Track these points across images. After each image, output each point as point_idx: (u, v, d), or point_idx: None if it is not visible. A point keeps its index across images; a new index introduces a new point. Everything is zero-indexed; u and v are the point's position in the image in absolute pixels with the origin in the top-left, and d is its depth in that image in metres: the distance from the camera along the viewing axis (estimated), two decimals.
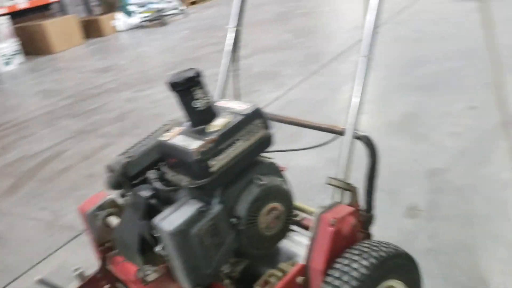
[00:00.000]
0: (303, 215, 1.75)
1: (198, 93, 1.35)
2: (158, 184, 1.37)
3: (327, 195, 2.47)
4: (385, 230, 2.10)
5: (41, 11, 10.50)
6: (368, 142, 1.59)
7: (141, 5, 10.41)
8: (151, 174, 1.41)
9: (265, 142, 1.42)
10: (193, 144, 1.30)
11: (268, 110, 1.51)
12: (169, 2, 10.39)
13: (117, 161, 1.46)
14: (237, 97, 2.16)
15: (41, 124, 4.83)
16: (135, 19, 10.23)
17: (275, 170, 1.47)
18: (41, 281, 1.80)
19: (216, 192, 1.35)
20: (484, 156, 2.58)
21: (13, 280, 2.35)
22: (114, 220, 1.84)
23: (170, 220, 1.26)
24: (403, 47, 4.85)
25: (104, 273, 1.90)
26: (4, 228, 2.87)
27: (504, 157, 2.53)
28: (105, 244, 1.89)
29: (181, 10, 10.59)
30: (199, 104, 1.35)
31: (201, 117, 1.37)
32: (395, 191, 2.42)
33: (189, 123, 1.42)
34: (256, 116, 1.39)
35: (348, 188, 1.50)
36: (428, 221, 2.14)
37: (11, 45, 8.54)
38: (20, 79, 7.69)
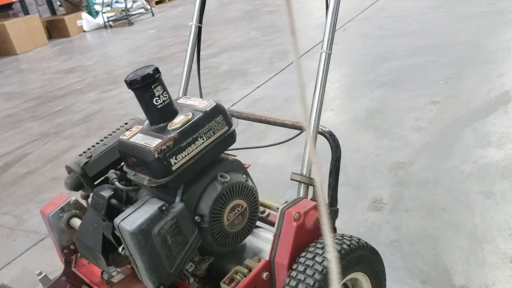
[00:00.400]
0: (268, 211, 1.76)
1: (157, 91, 1.33)
2: (118, 184, 1.35)
3: (295, 193, 2.49)
4: (350, 223, 2.14)
5: (2, 10, 10.22)
6: (331, 137, 1.60)
7: (107, 5, 10.26)
8: (112, 174, 1.39)
9: (228, 139, 1.41)
10: (153, 143, 1.29)
11: (236, 108, 1.51)
12: (135, 1, 10.27)
13: (76, 161, 1.44)
14: (200, 94, 2.15)
15: (3, 128, 4.69)
16: (101, 19, 10.07)
17: (239, 167, 1.47)
18: (2, 287, 1.76)
19: (178, 190, 1.34)
20: (446, 149, 2.64)
21: None
22: (77, 222, 1.80)
23: (131, 219, 1.24)
24: (368, 44, 4.91)
25: (68, 276, 1.87)
26: None
27: (465, 150, 2.60)
28: (70, 247, 1.86)
29: (147, 9, 10.47)
30: (158, 101, 1.33)
31: (161, 115, 1.35)
32: (360, 186, 2.45)
33: (148, 121, 1.40)
34: (217, 113, 1.38)
35: (312, 183, 1.51)
36: (392, 213, 2.18)
37: None
38: None
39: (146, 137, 1.33)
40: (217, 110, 1.39)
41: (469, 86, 3.44)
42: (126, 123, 1.57)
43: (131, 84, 1.31)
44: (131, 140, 1.35)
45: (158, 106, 1.34)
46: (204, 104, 1.40)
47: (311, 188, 1.53)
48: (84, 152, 1.48)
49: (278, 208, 1.63)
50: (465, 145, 2.64)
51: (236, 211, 1.41)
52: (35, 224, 2.74)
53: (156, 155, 1.26)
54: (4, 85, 6.59)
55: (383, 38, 4.97)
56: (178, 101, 1.47)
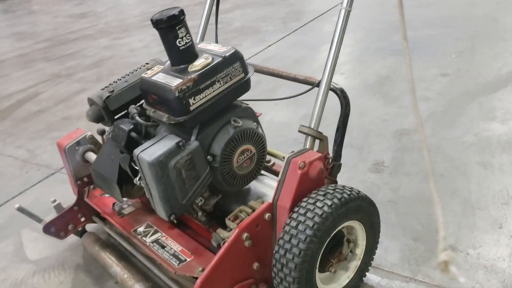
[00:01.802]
0: (273, 160, 1.84)
1: (181, 32, 1.39)
2: (139, 119, 1.43)
3: (299, 148, 2.56)
4: (350, 182, 2.23)
5: None
6: (342, 95, 1.67)
7: None
8: (133, 109, 1.46)
9: (243, 85, 1.48)
10: (174, 82, 1.36)
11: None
12: None
13: (99, 95, 1.51)
14: (216, 39, 2.20)
15: (16, 66, 4.75)
16: None
17: (251, 115, 1.54)
18: (20, 209, 1.86)
19: (194, 129, 1.41)
20: (451, 120, 2.70)
21: None
22: (92, 156, 1.89)
23: (150, 151, 1.33)
24: (384, 11, 4.89)
25: (80, 206, 1.97)
26: None
27: (469, 122, 2.66)
28: (83, 179, 1.95)
29: None
30: (181, 43, 1.39)
31: (182, 56, 1.41)
32: (363, 148, 2.53)
33: (170, 62, 1.46)
34: (235, 59, 1.44)
35: (319, 136, 1.58)
36: (392, 176, 2.27)
37: None
38: None
39: (167, 77, 1.40)
40: (236, 57, 1.45)
41: (480, 61, 3.47)
42: (147, 63, 1.64)
43: (157, 23, 1.37)
44: (153, 78, 1.42)
45: (181, 48, 1.40)
46: (223, 50, 1.46)
47: (317, 141, 1.61)
48: (106, 86, 1.55)
49: (284, 157, 1.72)
50: (470, 118, 2.70)
51: (245, 155, 1.49)
52: (47, 159, 2.84)
53: (177, 94, 1.33)
54: (16, 25, 6.60)
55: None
56: (199, 46, 1.53)
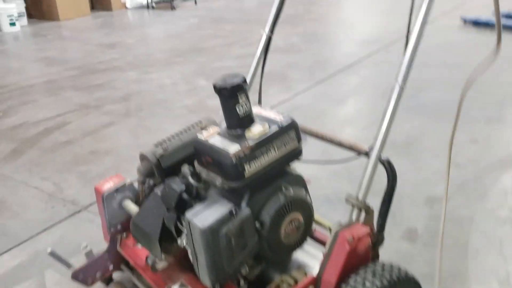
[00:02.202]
0: (315, 227, 1.81)
1: (241, 99, 1.39)
2: (191, 179, 1.42)
3: (329, 207, 2.54)
4: (386, 250, 2.18)
5: None
6: (389, 166, 1.66)
7: None
8: (186, 169, 1.45)
9: (296, 153, 1.48)
10: (232, 148, 1.35)
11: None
12: None
13: (153, 151, 1.51)
14: (259, 100, 2.22)
15: (44, 92, 4.81)
16: None
17: (301, 182, 1.53)
18: (52, 254, 1.84)
19: (245, 195, 1.40)
20: (484, 190, 2.67)
21: (14, 247, 2.37)
22: (129, 204, 1.88)
23: (202, 217, 1.31)
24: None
25: (111, 254, 1.95)
26: (6, 192, 2.89)
27: (502, 194, 2.63)
28: (117, 226, 1.93)
29: None
30: (240, 109, 1.40)
31: (240, 121, 1.42)
32: (396, 213, 2.49)
33: (225, 125, 1.47)
34: (290, 128, 1.45)
35: (366, 208, 1.56)
36: (426, 246, 2.23)
37: (18, 6, 8.44)
38: (23, 42, 7.63)
39: (224, 141, 1.40)
40: (291, 126, 1.45)
41: (511, 130, 3.46)
42: (200, 121, 1.64)
43: (220, 90, 1.38)
44: (210, 141, 1.42)
45: (240, 114, 1.41)
46: (280, 118, 1.47)
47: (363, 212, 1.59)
48: (159, 143, 1.55)
49: (329, 227, 1.70)
50: (503, 190, 2.67)
51: (293, 224, 1.47)
52: (73, 194, 2.83)
53: (234, 160, 1.33)
54: (46, 49, 6.73)
55: (426, 65, 4.99)
56: (254, 110, 1.53)
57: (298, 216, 1.48)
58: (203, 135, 1.46)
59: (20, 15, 8.52)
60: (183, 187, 1.42)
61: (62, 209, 2.68)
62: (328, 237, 1.72)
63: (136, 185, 1.94)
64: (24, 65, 5.99)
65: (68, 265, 1.89)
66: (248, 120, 1.43)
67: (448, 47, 5.71)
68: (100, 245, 2.26)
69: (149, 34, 7.65)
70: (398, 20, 7.27)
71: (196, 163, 1.48)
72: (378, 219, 1.68)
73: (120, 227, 1.94)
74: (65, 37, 7.62)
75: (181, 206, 1.42)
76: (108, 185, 1.92)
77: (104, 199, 1.89)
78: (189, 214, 1.33)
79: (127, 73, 5.37)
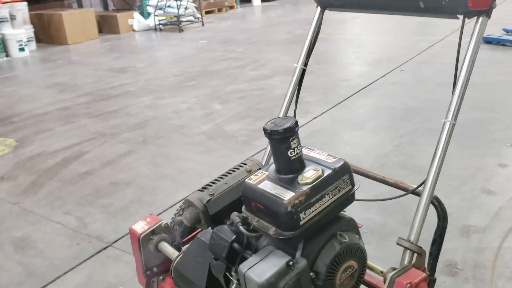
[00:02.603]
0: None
1: (293, 143, 1.34)
2: (243, 229, 1.36)
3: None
4: None
5: (57, 0, 10.49)
6: (439, 206, 1.60)
7: (159, 8, 10.42)
8: (236, 217, 1.39)
9: (350, 198, 1.42)
10: (285, 195, 1.30)
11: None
12: (186, 8, 10.41)
13: (199, 197, 1.45)
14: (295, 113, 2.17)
15: (59, 120, 4.78)
16: (151, 21, 10.23)
17: (354, 227, 1.47)
18: None
19: (299, 244, 1.34)
20: None
21: (43, 286, 2.31)
22: (166, 247, 1.82)
23: (259, 270, 1.25)
24: (428, 90, 4.89)
25: None
26: (30, 228, 2.83)
27: None
28: (153, 269, 1.87)
29: (197, 18, 10.61)
30: (292, 153, 1.35)
31: (292, 166, 1.36)
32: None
33: (274, 169, 1.41)
34: (344, 171, 1.39)
35: (419, 251, 1.50)
36: (468, 281, 2.15)
37: (26, 32, 8.48)
38: (33, 67, 7.65)
39: (276, 187, 1.34)
40: (345, 169, 1.40)
41: None
42: (245, 164, 1.59)
43: (271, 134, 1.33)
44: (260, 186, 1.36)
45: (291, 158, 1.36)
46: (332, 160, 1.41)
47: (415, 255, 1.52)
48: (204, 187, 1.50)
49: (381, 271, 1.63)
50: None
51: (348, 271, 1.41)
52: (98, 229, 2.77)
53: (289, 209, 1.27)
54: (57, 75, 6.73)
55: (443, 85, 4.95)
56: (304, 152, 1.48)
57: (353, 264, 1.42)
58: (251, 180, 1.41)
59: (29, 40, 8.56)
60: (233, 236, 1.36)
61: (87, 246, 2.62)
62: (379, 281, 1.66)
63: (170, 225, 1.88)
64: (36, 91, 5.97)
65: None
66: (300, 164, 1.38)
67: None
68: (131, 285, 2.21)
69: (159, 58, 7.65)
70: (406, 39, 7.29)
71: (244, 210, 1.43)
72: (429, 260, 1.61)
73: (157, 270, 1.88)
74: (74, 62, 7.63)
75: (232, 256, 1.36)
76: (143, 227, 1.86)
77: (140, 241, 1.83)
78: (244, 268, 1.27)
79: (140, 98, 5.35)
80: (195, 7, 10.80)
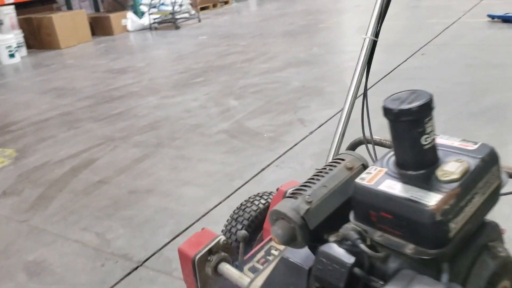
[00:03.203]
0: None
1: (429, 126, 0.97)
2: (365, 248, 0.99)
3: None
4: None
5: (46, 3, 10.06)
6: None
7: (153, 6, 10.02)
8: (352, 232, 1.02)
9: (496, 196, 1.05)
10: (428, 198, 0.93)
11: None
12: (181, 5, 10.02)
13: (294, 207, 1.06)
14: (366, 115, 1.81)
15: (61, 126, 4.38)
16: (146, 20, 9.83)
17: (499, 233, 1.11)
18: None
19: (444, 265, 0.97)
20: None
21: None
22: (228, 269, 1.45)
23: None
24: (457, 73, 4.55)
25: None
26: (44, 250, 2.44)
27: None
28: None
29: (192, 14, 10.22)
30: (427, 140, 0.98)
31: (425, 158, 0.99)
32: None
33: (393, 163, 1.04)
34: (494, 161, 1.02)
35: None
36: None
37: (16, 37, 8.05)
38: (26, 73, 7.22)
39: (408, 188, 0.97)
40: (495, 158, 1.03)
41: None
42: (341, 159, 1.21)
43: (399, 115, 0.96)
44: (383, 188, 0.99)
45: (425, 147, 0.98)
46: (474, 147, 1.04)
47: None
48: (296, 193, 1.11)
49: None
50: None
51: None
52: (123, 246, 2.39)
53: (438, 217, 0.90)
54: (53, 79, 6.31)
55: (473, 67, 4.60)
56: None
57: (507, 284, 1.06)
58: (364, 180, 1.04)
59: (19, 46, 8.13)
60: (352, 259, 0.99)
61: (114, 267, 2.23)
62: None
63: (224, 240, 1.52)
64: (32, 98, 5.56)
65: None
66: (434, 155, 1.01)
67: (486, 46, 5.33)
68: None
69: (159, 56, 7.26)
70: (419, 23, 6.92)
71: (353, 220, 1.05)
72: None
73: None
74: (70, 66, 7.21)
75: (350, 285, 0.99)
76: (197, 246, 1.49)
77: (195, 264, 1.46)
78: None
79: (146, 98, 4.96)
80: (189, 3, 10.41)
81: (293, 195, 1.11)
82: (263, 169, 3.03)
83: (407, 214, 0.94)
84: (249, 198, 1.92)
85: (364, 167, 1.19)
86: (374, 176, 1.04)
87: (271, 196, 1.92)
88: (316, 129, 3.59)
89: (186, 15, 10.24)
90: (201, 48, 7.29)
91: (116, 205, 2.82)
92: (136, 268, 2.21)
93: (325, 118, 3.79)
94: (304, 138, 3.44)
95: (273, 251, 1.62)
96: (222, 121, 3.99)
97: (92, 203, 2.87)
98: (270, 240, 1.66)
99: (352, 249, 1.01)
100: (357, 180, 1.05)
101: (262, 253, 1.62)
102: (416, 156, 1.00)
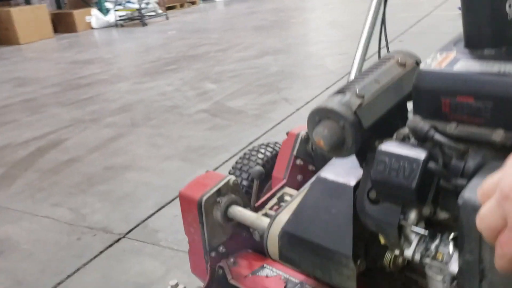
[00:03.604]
0: None
1: None
2: (443, 139, 0.78)
3: None
4: None
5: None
6: None
7: (118, 3, 9.71)
8: (419, 123, 0.81)
9: None
10: None
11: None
12: (147, 3, 9.75)
13: (344, 102, 0.85)
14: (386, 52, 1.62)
15: (24, 111, 4.04)
16: (111, 17, 9.50)
17: None
18: None
19: None
20: None
21: None
22: (241, 211, 1.22)
23: None
24: None
25: None
26: (7, 228, 2.13)
27: None
28: (218, 248, 1.27)
29: (158, 13, 9.97)
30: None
31: (509, 30, 0.81)
32: None
33: (464, 45, 0.86)
34: None
35: None
36: None
37: None
38: None
39: (490, 64, 0.78)
40: None
41: None
42: (387, 58, 1.01)
43: None
44: (458, 69, 0.80)
45: (510, 16, 0.80)
46: None
47: None
48: (344, 88, 0.90)
49: None
50: None
51: None
52: (101, 220, 2.12)
53: None
54: (14, 71, 5.91)
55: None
56: None
57: None
58: (431, 66, 0.84)
59: None
60: (425, 153, 0.78)
61: (92, 240, 1.96)
62: None
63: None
64: None
65: None
66: None
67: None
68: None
69: (127, 49, 6.96)
70: (393, 16, 6.61)
71: (415, 117, 0.85)
72: None
73: (225, 250, 1.27)
74: (32, 58, 6.81)
75: (424, 187, 0.78)
76: (202, 188, 1.26)
77: (202, 207, 1.22)
78: (466, 193, 0.69)
79: (116, 85, 4.66)
80: (156, 2, 10.14)
81: (341, 91, 0.90)
82: (251, 143, 2.81)
83: (495, 92, 0.75)
84: (253, 147, 1.70)
85: (418, 64, 1.00)
86: (442, 61, 0.85)
87: (277, 146, 1.71)
88: (302, 106, 3.41)
89: (153, 13, 9.98)
90: (172, 41, 7.04)
91: (91, 181, 2.54)
92: (118, 240, 1.94)
93: (310, 97, 3.61)
94: (291, 114, 3.25)
95: (286, 198, 1.40)
96: (201, 102, 3.76)
97: (63, 180, 2.58)
98: (283, 186, 1.44)
99: (429, 145, 0.81)
100: (422, 67, 0.85)
101: (274, 200, 1.40)
102: (498, 28, 0.81)
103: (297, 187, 1.45)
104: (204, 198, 1.22)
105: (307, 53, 5.32)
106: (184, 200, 1.27)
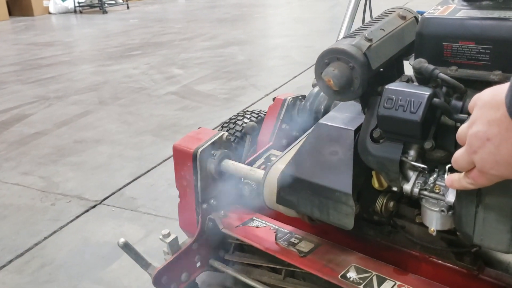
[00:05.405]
0: None
1: None
2: (447, 78, 0.85)
3: None
4: None
5: None
6: None
7: None
8: (424, 64, 0.87)
9: None
10: None
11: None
12: None
13: (355, 43, 0.90)
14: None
15: None
16: (70, 3, 9.25)
17: None
18: (124, 246, 1.17)
19: None
20: None
21: (17, 257, 1.61)
22: (234, 164, 1.26)
23: None
24: None
25: (200, 244, 1.31)
26: None
27: None
28: (210, 201, 1.30)
29: (120, 2, 9.80)
30: None
31: None
32: None
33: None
34: None
35: None
36: None
37: None
38: None
39: (490, 12, 0.86)
40: None
41: None
42: (389, 11, 1.07)
43: None
44: (461, 15, 0.88)
45: None
46: None
47: None
48: (354, 33, 0.96)
49: None
50: None
51: None
52: (75, 188, 2.09)
53: None
54: None
55: None
56: None
57: None
58: (434, 14, 0.92)
59: None
60: (430, 90, 0.85)
61: (67, 206, 1.94)
62: None
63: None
64: None
65: (145, 264, 1.23)
66: None
67: None
68: (148, 244, 1.62)
69: (88, 34, 6.79)
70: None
71: (416, 60, 0.91)
72: None
73: (215, 202, 1.31)
74: None
75: (427, 123, 0.85)
76: (197, 141, 1.29)
77: (198, 158, 1.25)
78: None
79: (80, 66, 4.57)
80: None
81: (350, 36, 0.96)
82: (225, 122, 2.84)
83: (496, 35, 0.83)
84: (238, 113, 1.74)
85: (416, 20, 1.07)
86: (444, 10, 0.93)
87: (262, 113, 1.76)
88: (271, 92, 3.47)
89: (113, 1, 9.79)
90: (134, 28, 6.94)
91: (61, 152, 2.50)
92: (94, 206, 1.93)
93: (278, 84, 3.68)
94: (261, 98, 3.30)
95: (273, 159, 1.44)
96: (169, 85, 3.75)
97: (31, 151, 2.52)
98: (270, 148, 1.49)
99: (431, 85, 0.87)
100: (426, 15, 0.93)
101: (261, 160, 1.45)
102: None
103: (282, 150, 1.50)
104: (200, 150, 1.25)
105: (273, 44, 5.39)
106: (178, 152, 1.29)
